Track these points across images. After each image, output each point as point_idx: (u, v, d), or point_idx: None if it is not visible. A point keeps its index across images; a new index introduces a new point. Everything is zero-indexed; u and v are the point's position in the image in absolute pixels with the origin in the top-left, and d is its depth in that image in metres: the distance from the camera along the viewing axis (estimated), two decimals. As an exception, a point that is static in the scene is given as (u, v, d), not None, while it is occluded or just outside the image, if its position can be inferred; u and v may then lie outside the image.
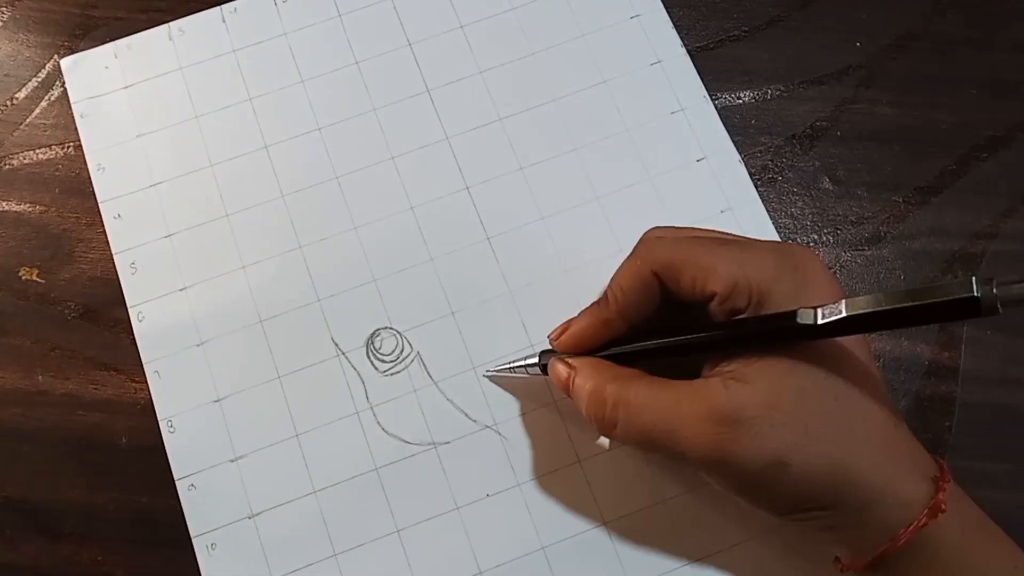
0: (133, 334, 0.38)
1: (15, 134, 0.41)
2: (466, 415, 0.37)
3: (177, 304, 0.38)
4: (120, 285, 0.38)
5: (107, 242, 0.39)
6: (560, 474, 0.36)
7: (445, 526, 0.35)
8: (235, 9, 0.42)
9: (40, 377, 0.38)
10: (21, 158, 0.41)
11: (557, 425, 0.37)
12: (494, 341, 0.37)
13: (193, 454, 0.36)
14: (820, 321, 0.27)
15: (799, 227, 0.40)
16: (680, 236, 0.32)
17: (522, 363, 0.35)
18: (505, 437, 0.36)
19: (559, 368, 0.32)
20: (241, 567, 0.35)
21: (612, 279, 0.32)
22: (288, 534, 0.35)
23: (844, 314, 0.26)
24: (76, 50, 0.42)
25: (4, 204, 0.40)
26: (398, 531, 0.35)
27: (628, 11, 0.42)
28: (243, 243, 0.39)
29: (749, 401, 0.27)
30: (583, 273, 0.38)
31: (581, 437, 0.36)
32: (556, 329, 0.33)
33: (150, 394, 0.37)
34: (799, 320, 0.27)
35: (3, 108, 0.41)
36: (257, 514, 0.36)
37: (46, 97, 0.41)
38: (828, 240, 0.40)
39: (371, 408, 0.37)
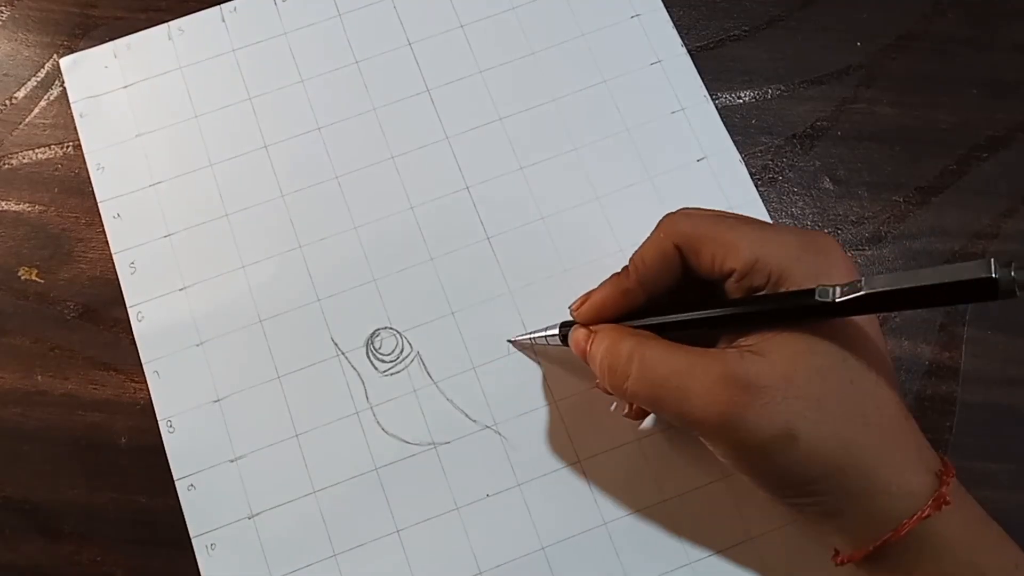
0: (132, 334, 0.38)
1: (14, 134, 0.41)
2: (466, 415, 0.37)
3: (177, 304, 0.38)
4: (119, 285, 0.38)
5: (106, 242, 0.39)
6: (560, 474, 0.36)
7: (445, 526, 0.35)
8: (235, 8, 0.42)
9: (39, 377, 0.38)
10: (20, 158, 0.41)
11: (557, 425, 0.37)
12: (494, 341, 0.37)
13: (193, 454, 0.36)
14: (839, 299, 0.26)
15: (799, 227, 0.40)
16: (705, 214, 0.32)
17: (543, 333, 0.35)
18: (505, 437, 0.36)
19: (579, 332, 0.32)
20: (241, 567, 0.35)
21: (636, 251, 0.32)
22: (288, 534, 0.35)
23: (863, 291, 0.26)
24: (75, 49, 0.42)
25: (3, 204, 0.40)
26: (398, 531, 0.35)
27: (628, 11, 0.42)
28: (243, 243, 0.39)
29: (765, 372, 0.27)
30: (583, 273, 0.38)
31: (581, 437, 0.36)
32: (577, 300, 0.33)
33: (149, 394, 0.37)
34: (818, 297, 0.27)
35: (2, 108, 0.41)
36: (257, 514, 0.36)
37: (45, 97, 0.41)
38: (828, 240, 0.40)
39: (371, 408, 0.37)
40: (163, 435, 0.36)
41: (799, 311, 0.28)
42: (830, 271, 0.29)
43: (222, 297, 0.38)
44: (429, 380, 0.37)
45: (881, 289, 0.26)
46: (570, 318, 0.34)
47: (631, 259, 0.32)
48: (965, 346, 0.38)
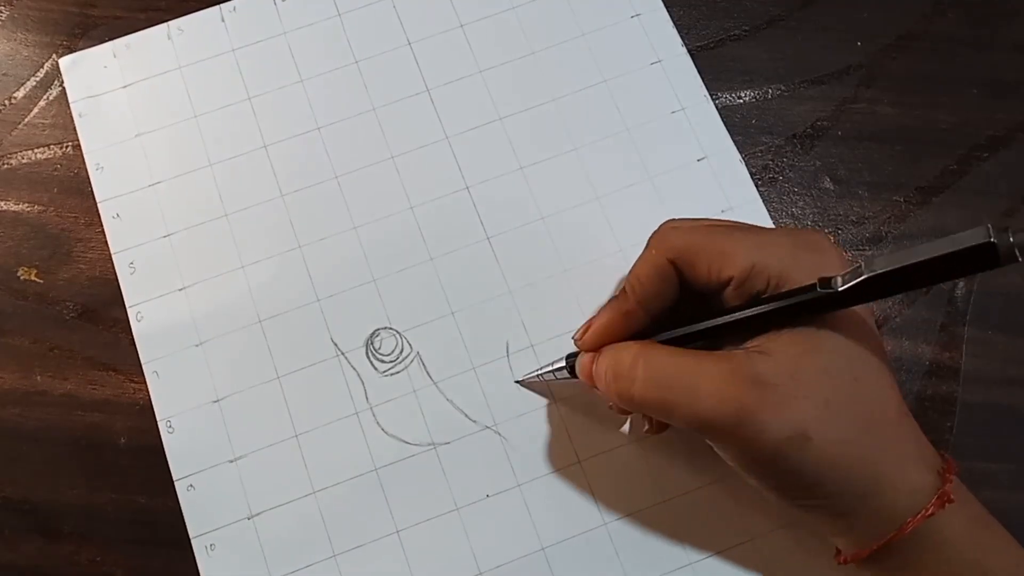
0: (132, 334, 0.38)
1: (13, 133, 0.41)
2: (466, 415, 0.37)
3: (176, 304, 0.38)
4: (119, 285, 0.38)
5: (106, 242, 0.39)
6: (560, 474, 0.36)
7: (445, 527, 0.35)
8: (234, 8, 0.42)
9: (39, 377, 0.38)
10: (20, 157, 0.41)
11: (557, 425, 0.36)
12: (494, 341, 0.37)
13: (192, 454, 0.36)
14: (841, 287, 0.26)
15: (800, 227, 0.40)
16: (695, 225, 0.31)
17: (550, 368, 0.35)
18: (505, 437, 0.36)
19: (584, 358, 0.32)
20: (240, 568, 0.35)
21: (630, 271, 0.32)
22: (287, 535, 0.35)
23: (864, 275, 0.26)
24: (75, 49, 0.42)
25: (2, 204, 0.40)
26: (398, 532, 0.35)
27: (628, 10, 0.42)
28: (242, 243, 0.39)
29: (773, 370, 0.27)
30: (583, 273, 0.38)
31: (581, 437, 0.36)
32: (579, 329, 0.33)
33: (149, 394, 0.37)
34: (820, 288, 0.27)
35: (1, 107, 0.41)
36: (256, 515, 0.36)
37: (44, 96, 0.41)
38: (828, 240, 0.40)
39: (371, 408, 0.37)
40: (162, 435, 0.36)
41: (805, 306, 0.27)
42: (826, 267, 0.28)
43: (222, 297, 0.38)
44: (429, 380, 0.37)
45: (882, 270, 0.25)
46: (574, 349, 0.33)
47: (627, 280, 0.31)
48: (965, 346, 0.38)
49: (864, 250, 0.39)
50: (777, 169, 0.40)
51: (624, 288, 0.31)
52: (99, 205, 0.39)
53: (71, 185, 0.40)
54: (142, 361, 0.37)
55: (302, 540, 0.35)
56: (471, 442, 0.36)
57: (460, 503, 0.36)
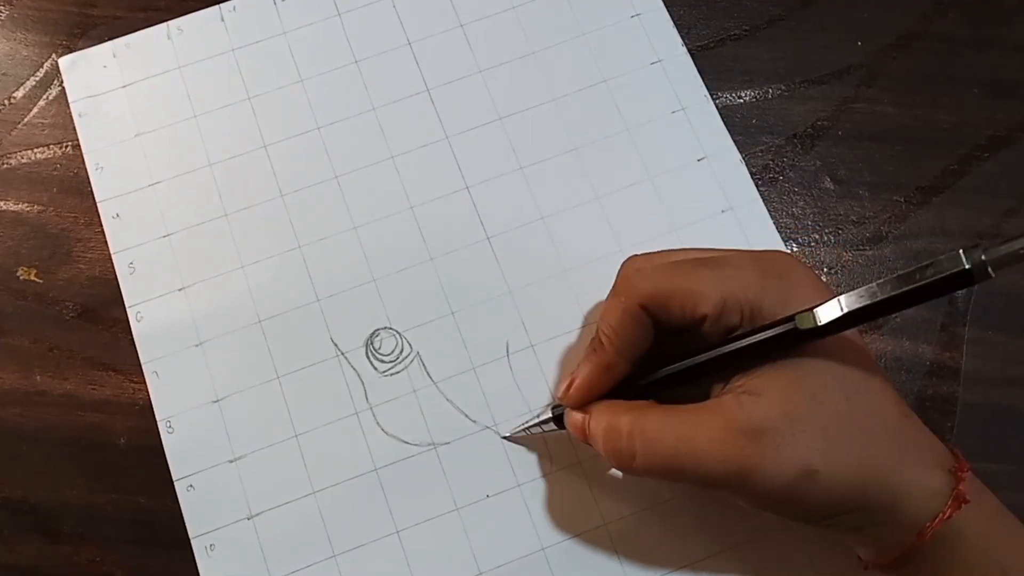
0: (132, 334, 0.38)
1: (13, 133, 0.41)
2: (466, 415, 0.37)
3: (176, 304, 0.38)
4: (118, 285, 0.38)
5: (105, 242, 0.39)
6: (560, 474, 0.36)
7: (445, 527, 0.35)
8: (234, 8, 0.42)
9: (38, 377, 0.38)
10: (19, 157, 0.41)
11: (557, 425, 0.36)
12: (494, 341, 0.37)
13: (192, 455, 0.36)
14: (822, 323, 0.27)
15: (800, 227, 0.40)
16: (659, 264, 0.31)
17: (537, 422, 0.35)
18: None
19: (574, 415, 0.32)
20: (240, 568, 0.35)
21: (600, 320, 0.31)
22: (287, 535, 0.35)
23: (842, 312, 0.26)
24: (74, 49, 0.42)
25: (2, 204, 0.40)
26: (398, 532, 0.35)
27: (628, 10, 0.42)
28: (242, 243, 0.39)
29: (765, 414, 0.27)
30: (583, 273, 0.38)
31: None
32: (561, 386, 0.32)
33: (149, 394, 0.37)
34: (799, 325, 0.27)
35: (1, 107, 0.41)
36: (256, 515, 0.36)
37: (44, 96, 0.41)
38: (829, 240, 0.40)
39: (370, 408, 0.37)
40: (162, 435, 0.36)
41: (785, 341, 0.28)
42: (796, 292, 0.29)
43: (221, 297, 0.38)
44: (429, 380, 0.37)
45: (859, 306, 0.26)
46: (557, 400, 0.33)
47: (600, 330, 0.31)
48: (966, 346, 0.38)
49: (864, 250, 0.39)
50: (777, 169, 0.40)
51: (599, 339, 0.31)
52: (99, 205, 0.39)
53: (71, 185, 0.40)
54: (142, 361, 0.37)
55: (302, 540, 0.35)
56: (471, 442, 0.36)
57: (460, 503, 0.36)
